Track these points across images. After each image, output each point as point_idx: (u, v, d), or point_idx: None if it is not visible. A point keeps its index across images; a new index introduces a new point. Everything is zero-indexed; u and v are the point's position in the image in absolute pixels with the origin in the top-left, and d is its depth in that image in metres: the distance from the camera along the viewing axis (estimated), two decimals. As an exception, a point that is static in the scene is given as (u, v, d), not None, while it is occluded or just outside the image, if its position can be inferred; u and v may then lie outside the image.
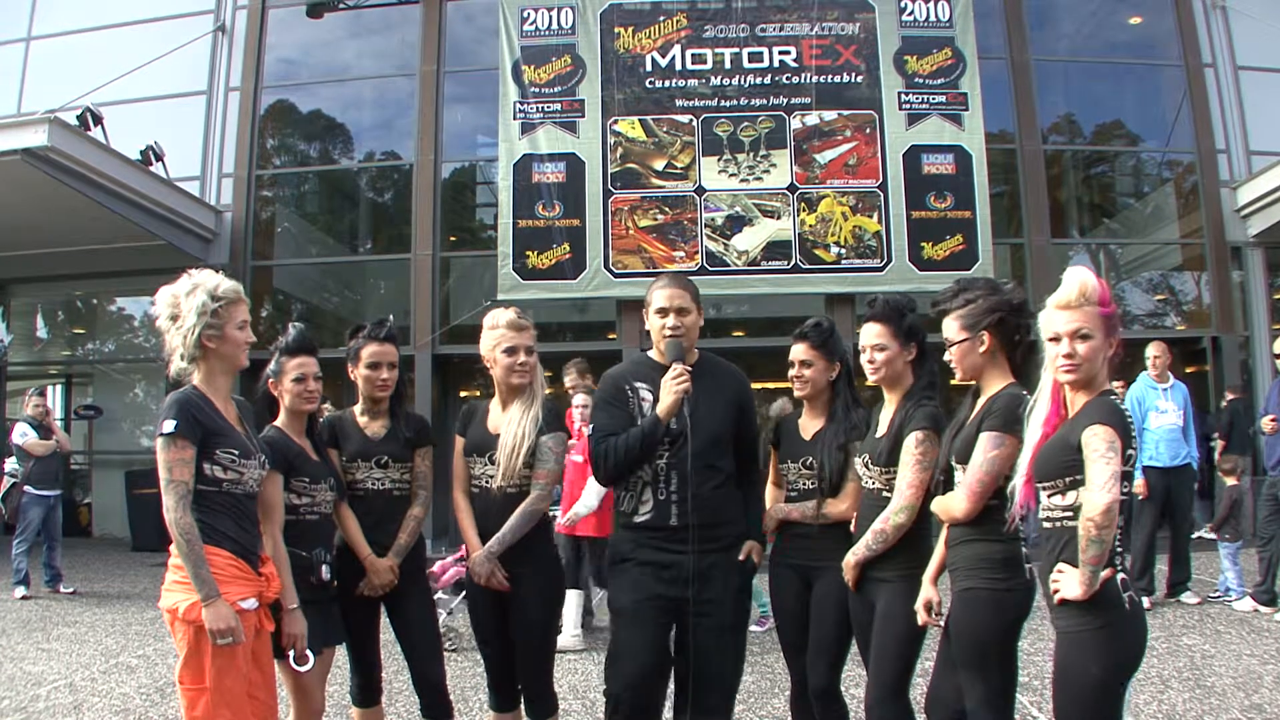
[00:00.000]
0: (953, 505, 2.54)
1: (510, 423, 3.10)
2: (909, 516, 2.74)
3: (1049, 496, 2.30)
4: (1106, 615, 2.19)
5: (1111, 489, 2.11)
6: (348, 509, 3.17)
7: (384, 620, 3.29)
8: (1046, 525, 2.32)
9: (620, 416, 2.96)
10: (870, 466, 2.88)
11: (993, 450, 2.46)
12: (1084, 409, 2.27)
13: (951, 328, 2.64)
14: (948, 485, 2.65)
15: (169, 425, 2.47)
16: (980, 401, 2.63)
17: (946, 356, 2.67)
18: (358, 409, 3.31)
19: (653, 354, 3.06)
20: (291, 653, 2.80)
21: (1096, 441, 2.16)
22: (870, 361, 2.92)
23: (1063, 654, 2.25)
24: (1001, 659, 2.49)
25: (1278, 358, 6.59)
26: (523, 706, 3.19)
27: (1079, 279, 2.32)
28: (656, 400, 2.91)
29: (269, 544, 2.77)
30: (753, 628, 3.54)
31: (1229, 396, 8.59)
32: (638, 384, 3.00)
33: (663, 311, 2.97)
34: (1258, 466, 7.64)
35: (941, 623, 2.68)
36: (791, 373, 3.13)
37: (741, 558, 2.94)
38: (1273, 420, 6.22)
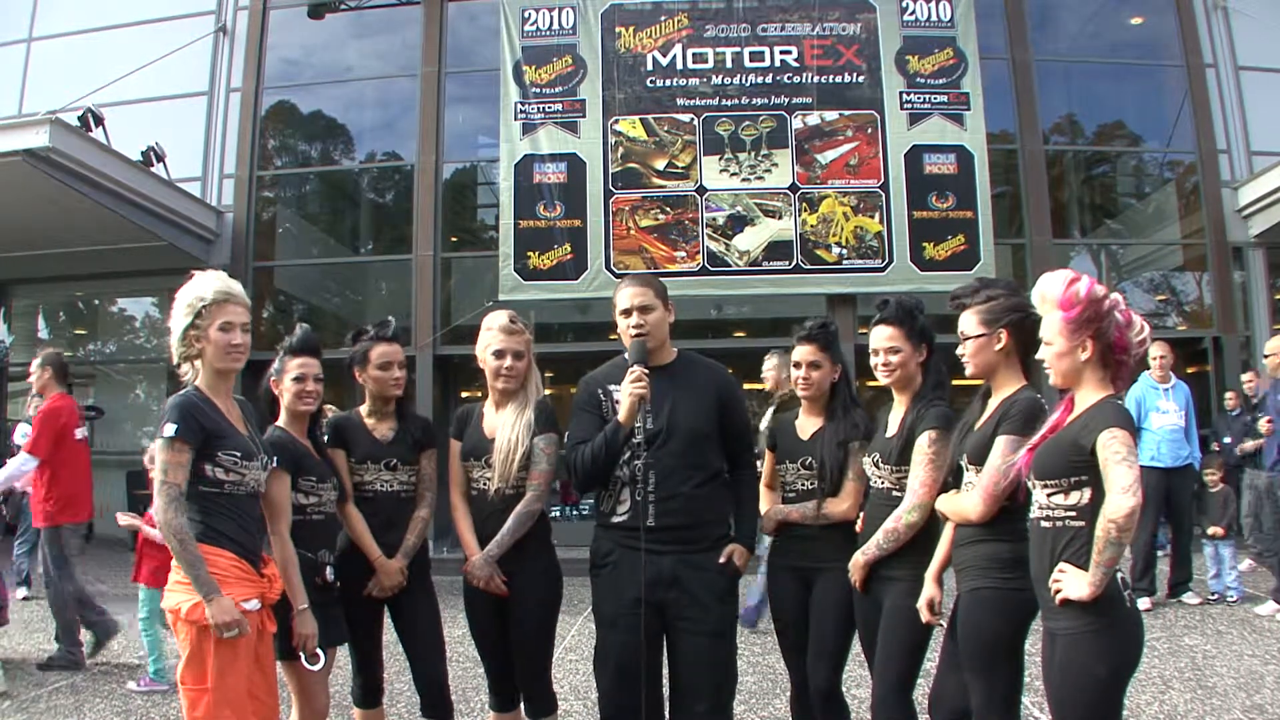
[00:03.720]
0: (966, 507, 2.53)
1: (504, 427, 3.11)
2: (922, 516, 2.74)
3: (1050, 496, 2.29)
4: (1109, 615, 2.18)
5: (1136, 492, 2.11)
6: (355, 510, 3.17)
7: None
8: (1045, 525, 2.30)
9: (592, 422, 2.96)
10: (881, 466, 2.88)
11: (1010, 453, 2.44)
12: (1092, 411, 2.27)
13: (970, 322, 2.63)
14: (955, 485, 2.65)
15: (169, 429, 2.48)
16: (993, 403, 2.62)
17: (960, 351, 2.65)
18: (364, 410, 3.31)
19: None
20: (302, 654, 2.80)
21: (1116, 445, 2.16)
22: (885, 365, 2.90)
23: (1063, 655, 2.23)
24: (1010, 659, 2.49)
25: (1267, 357, 6.56)
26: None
27: (1039, 286, 2.36)
28: None
29: (277, 544, 2.77)
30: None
31: (1233, 401, 8.51)
32: (610, 387, 2.98)
33: (626, 312, 2.98)
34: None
35: (943, 622, 2.68)
36: (798, 374, 3.11)
37: (722, 560, 2.89)
38: (1269, 421, 6.22)
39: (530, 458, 3.09)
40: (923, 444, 2.75)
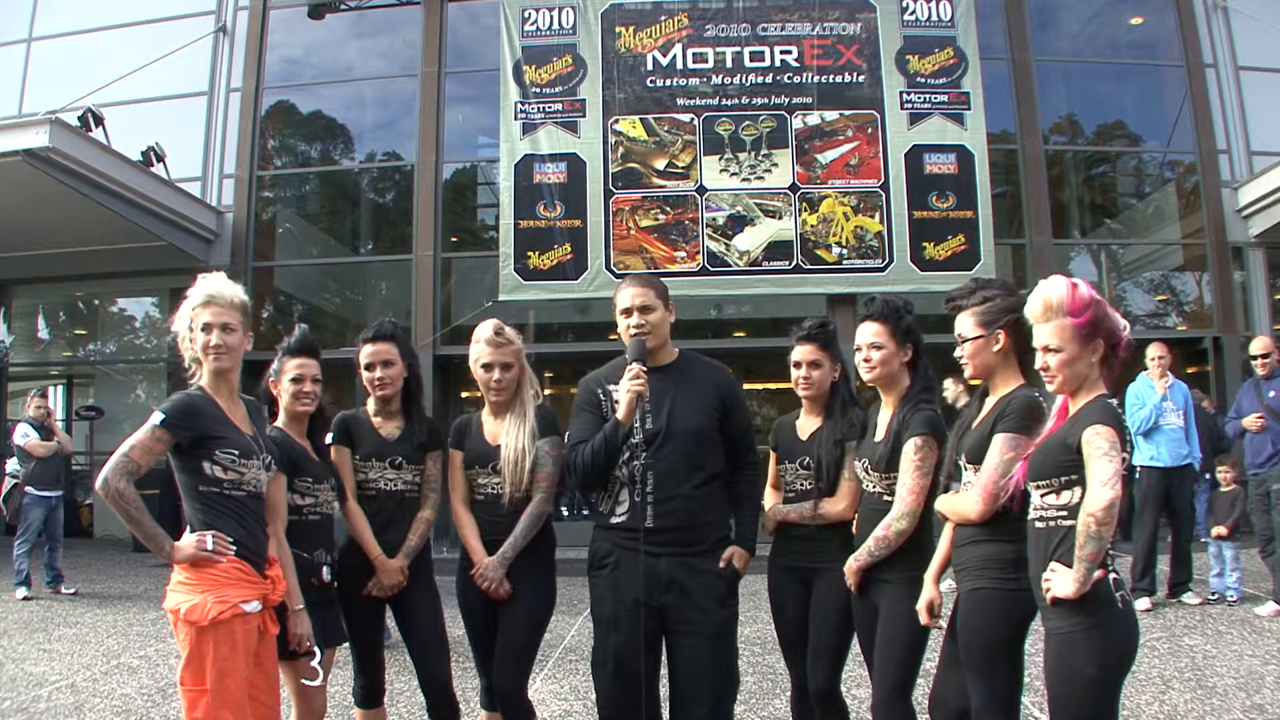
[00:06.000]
0: (966, 506, 2.52)
1: (508, 436, 3.13)
2: (910, 522, 2.73)
3: (1043, 496, 2.30)
4: (1100, 614, 2.19)
5: (1115, 485, 2.11)
6: (357, 508, 3.18)
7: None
8: (1039, 526, 2.31)
9: (592, 421, 2.96)
10: (870, 471, 2.87)
11: (1009, 452, 2.44)
12: (1083, 411, 2.28)
13: (967, 324, 2.62)
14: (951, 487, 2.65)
15: (157, 416, 2.54)
16: (991, 402, 2.62)
17: (958, 353, 2.65)
18: (371, 409, 3.32)
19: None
20: (300, 653, 2.80)
21: (1099, 440, 2.16)
22: (866, 360, 2.90)
23: (1056, 654, 2.24)
24: (1009, 660, 2.49)
25: (1254, 359, 6.54)
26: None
27: (1042, 293, 2.32)
28: None
29: (273, 544, 2.77)
30: None
31: (1209, 406, 8.58)
32: (610, 386, 2.98)
33: (626, 311, 2.97)
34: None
35: (942, 624, 2.68)
36: (799, 374, 3.10)
37: (722, 564, 2.89)
38: (1260, 418, 6.20)
39: (536, 461, 3.11)
40: (909, 450, 2.74)
